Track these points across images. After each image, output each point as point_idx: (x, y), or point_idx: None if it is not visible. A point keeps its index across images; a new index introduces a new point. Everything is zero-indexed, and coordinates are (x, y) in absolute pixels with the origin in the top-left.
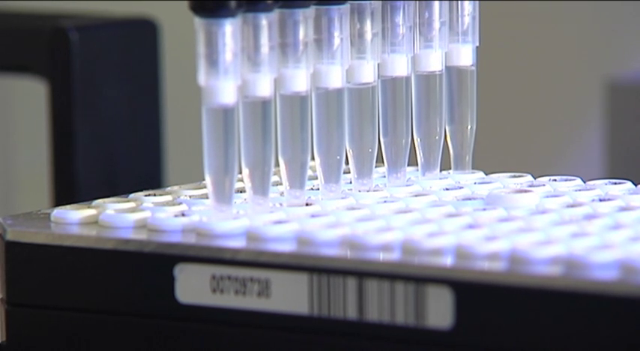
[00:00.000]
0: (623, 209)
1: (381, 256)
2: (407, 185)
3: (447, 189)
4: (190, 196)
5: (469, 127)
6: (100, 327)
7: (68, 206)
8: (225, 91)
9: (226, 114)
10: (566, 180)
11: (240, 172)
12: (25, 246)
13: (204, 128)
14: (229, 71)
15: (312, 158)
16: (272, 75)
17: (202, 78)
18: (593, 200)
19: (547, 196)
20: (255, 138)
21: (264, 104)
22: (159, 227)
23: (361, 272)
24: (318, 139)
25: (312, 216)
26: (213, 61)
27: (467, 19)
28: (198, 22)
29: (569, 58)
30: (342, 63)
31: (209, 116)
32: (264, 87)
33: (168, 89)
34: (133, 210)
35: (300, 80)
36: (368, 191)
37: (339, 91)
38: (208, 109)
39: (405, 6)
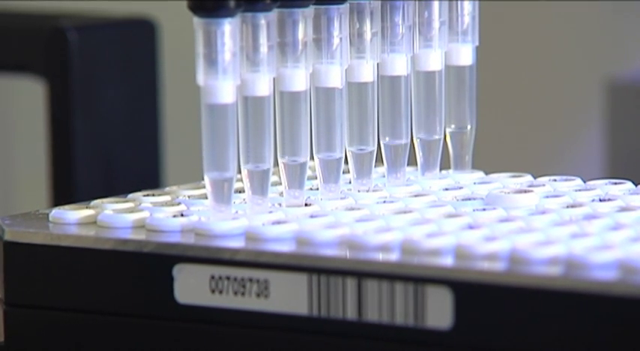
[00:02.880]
0: (623, 209)
1: (381, 257)
2: (406, 185)
3: (446, 189)
4: (189, 196)
5: (469, 127)
6: (99, 327)
7: (66, 206)
8: (224, 90)
9: (225, 114)
10: (566, 180)
11: (240, 172)
12: (24, 246)
13: (203, 128)
14: (228, 71)
15: (312, 158)
16: (271, 75)
17: (201, 78)
18: (593, 200)
19: (547, 196)
20: (254, 138)
21: (263, 104)
22: (157, 227)
23: (360, 272)
24: (317, 139)
25: (312, 216)
26: (212, 60)
27: (466, 19)
28: (197, 21)
29: (569, 58)
30: (342, 63)
31: (208, 116)
32: (262, 87)
33: (167, 89)
34: (131, 210)
35: (299, 80)
36: (367, 191)
37: (338, 91)
38: (207, 108)
39: (404, 5)
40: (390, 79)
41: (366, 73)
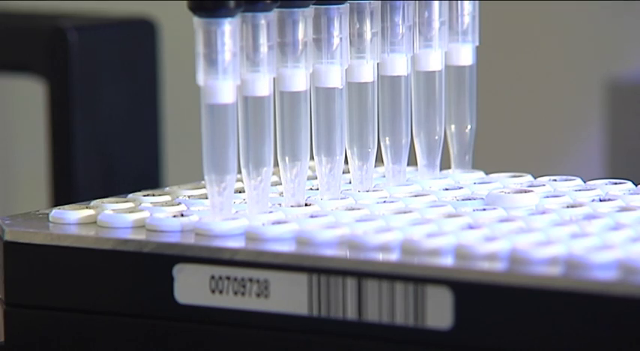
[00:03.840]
0: (623, 209)
1: (381, 257)
2: (406, 185)
3: (446, 189)
4: (189, 196)
5: (469, 126)
6: (99, 327)
7: (67, 206)
8: (224, 90)
9: (225, 114)
10: (566, 180)
11: (240, 172)
12: (24, 246)
13: (203, 128)
14: (228, 71)
15: (312, 158)
16: (271, 75)
17: (201, 78)
18: (593, 200)
19: (547, 196)
20: (254, 138)
21: (263, 104)
22: (157, 227)
23: (360, 272)
24: (317, 139)
25: (312, 216)
26: (212, 60)
27: (467, 19)
28: (197, 21)
29: (570, 58)
30: (342, 63)
31: (208, 116)
32: (263, 87)
33: (167, 89)
34: (131, 210)
35: (299, 80)
36: (367, 191)
37: (338, 91)
38: (207, 108)
39: (404, 5)
40: (390, 79)
41: (366, 73)
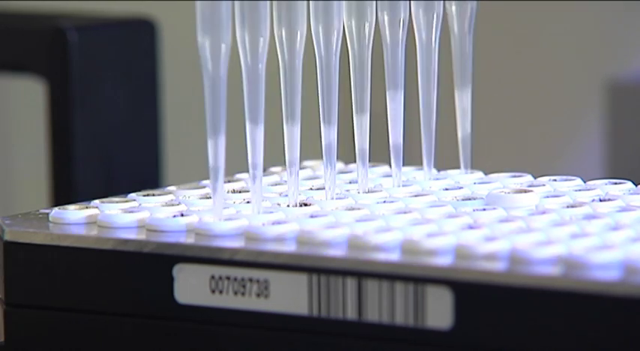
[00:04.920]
0: (623, 209)
1: (381, 257)
2: (406, 185)
3: (446, 189)
4: (189, 196)
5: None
6: (99, 327)
7: (66, 206)
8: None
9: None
10: (566, 180)
11: (234, 175)
12: (24, 246)
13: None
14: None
15: (312, 158)
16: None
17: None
18: (593, 200)
19: (547, 196)
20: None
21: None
22: (158, 227)
23: (361, 272)
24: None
25: (312, 216)
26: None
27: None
28: None
29: (570, 58)
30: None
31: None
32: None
33: (166, 89)
34: (131, 210)
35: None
36: (367, 191)
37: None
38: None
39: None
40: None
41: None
